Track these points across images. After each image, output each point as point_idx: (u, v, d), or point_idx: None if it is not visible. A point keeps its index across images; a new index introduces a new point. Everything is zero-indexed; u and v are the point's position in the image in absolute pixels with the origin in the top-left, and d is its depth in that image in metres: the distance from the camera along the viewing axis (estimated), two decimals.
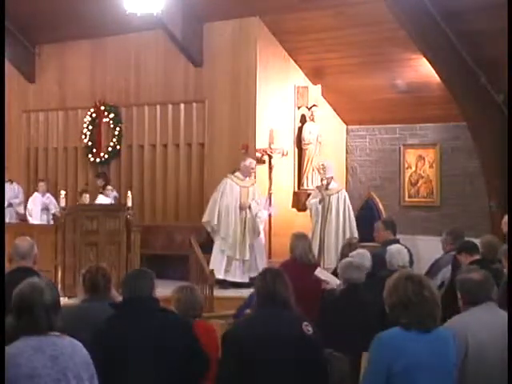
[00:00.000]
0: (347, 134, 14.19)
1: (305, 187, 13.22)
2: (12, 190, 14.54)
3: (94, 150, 14.81)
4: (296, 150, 13.38)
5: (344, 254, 8.33)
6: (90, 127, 14.91)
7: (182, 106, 13.84)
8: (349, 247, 8.75)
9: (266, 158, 12.93)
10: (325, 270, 8.38)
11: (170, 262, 12.78)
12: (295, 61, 13.29)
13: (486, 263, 6.47)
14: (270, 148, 12.92)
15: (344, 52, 12.54)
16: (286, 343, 4.47)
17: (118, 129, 14.56)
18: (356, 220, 12.20)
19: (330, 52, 12.66)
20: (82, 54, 15.04)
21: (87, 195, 13.37)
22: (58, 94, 15.50)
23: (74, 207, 12.70)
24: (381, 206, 13.18)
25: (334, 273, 7.82)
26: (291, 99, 13.37)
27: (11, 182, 14.61)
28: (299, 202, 13.22)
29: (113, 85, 14.70)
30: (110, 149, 14.65)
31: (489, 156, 12.06)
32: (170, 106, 13.99)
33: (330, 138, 13.72)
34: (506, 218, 8.04)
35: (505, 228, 7.93)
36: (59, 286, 10.90)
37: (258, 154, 12.81)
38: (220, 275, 11.57)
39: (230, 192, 11.98)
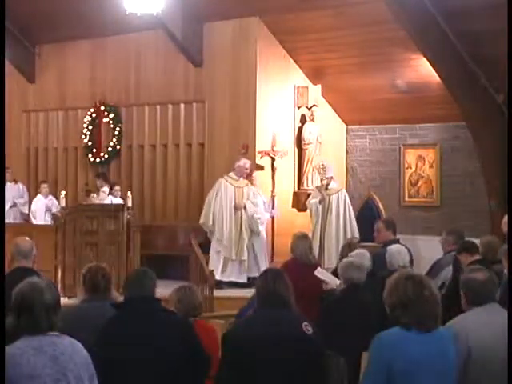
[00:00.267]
0: (347, 133, 14.20)
1: (305, 187, 13.22)
2: (17, 190, 14.56)
3: (94, 150, 14.80)
4: (296, 149, 13.38)
5: (344, 255, 8.33)
6: (90, 127, 14.91)
7: (182, 106, 13.84)
8: (349, 247, 8.75)
9: (267, 160, 12.93)
10: (325, 270, 8.37)
11: (170, 262, 12.77)
12: (295, 61, 13.29)
13: (486, 263, 6.46)
14: (273, 150, 12.94)
15: (344, 52, 12.54)
16: (286, 343, 4.47)
17: (117, 129, 14.56)
18: (356, 220, 12.20)
19: (329, 52, 12.65)
20: (81, 54, 15.03)
21: (94, 195, 13.30)
22: (57, 94, 15.49)
23: (74, 207, 12.70)
24: (381, 206, 13.19)
25: (334, 273, 7.82)
26: (291, 99, 13.37)
27: (16, 181, 14.65)
28: (299, 202, 13.23)
29: (113, 85, 14.70)
30: (110, 149, 14.64)
31: (489, 156, 12.05)
32: (170, 106, 14.00)
33: (330, 138, 13.72)
34: (506, 217, 8.03)
35: (505, 228, 7.92)
36: (59, 285, 10.92)
37: (258, 156, 12.82)
38: (217, 276, 11.55)
39: (224, 193, 11.98)
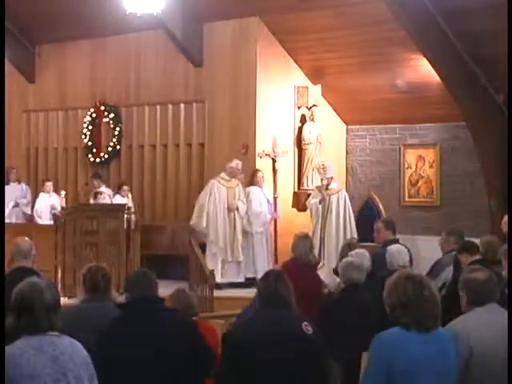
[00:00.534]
0: (347, 133, 14.19)
1: (305, 187, 13.22)
2: (20, 190, 14.56)
3: (94, 150, 14.79)
4: (296, 149, 13.38)
5: (344, 255, 8.33)
6: (90, 127, 14.90)
7: (182, 106, 13.84)
8: (348, 247, 8.76)
9: (268, 161, 12.92)
10: (325, 271, 8.38)
11: (170, 262, 12.76)
12: (295, 61, 13.29)
13: (486, 263, 6.46)
14: (274, 152, 12.93)
15: (344, 52, 12.54)
16: (286, 343, 4.48)
17: (117, 129, 14.55)
18: (356, 220, 12.20)
19: (329, 52, 12.65)
20: (82, 54, 15.03)
21: (102, 196, 13.22)
22: (57, 94, 15.49)
23: (74, 207, 12.70)
24: (381, 206, 13.18)
25: (335, 273, 7.82)
26: (291, 99, 13.37)
27: (19, 181, 14.65)
28: (299, 202, 13.22)
29: (113, 85, 14.69)
30: (109, 149, 14.63)
31: (489, 156, 12.05)
32: (170, 106, 13.99)
33: (330, 138, 13.72)
34: (506, 217, 8.03)
35: (505, 228, 7.92)
36: (59, 285, 10.90)
37: (258, 158, 12.83)
38: (216, 278, 11.46)
39: (217, 194, 11.96)
